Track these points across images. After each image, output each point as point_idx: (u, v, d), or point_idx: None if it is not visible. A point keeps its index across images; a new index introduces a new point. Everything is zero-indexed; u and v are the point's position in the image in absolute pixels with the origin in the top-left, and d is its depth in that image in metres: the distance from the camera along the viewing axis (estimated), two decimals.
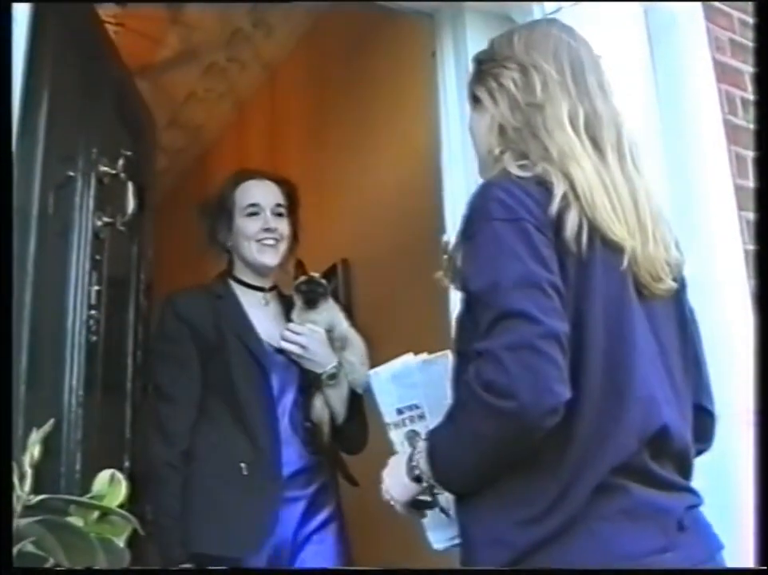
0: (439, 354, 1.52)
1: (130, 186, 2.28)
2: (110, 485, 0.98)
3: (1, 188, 1.15)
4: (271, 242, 2.29)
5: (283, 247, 2.32)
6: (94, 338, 2.13)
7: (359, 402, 2.31)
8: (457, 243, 1.35)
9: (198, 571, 1.84)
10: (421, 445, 1.36)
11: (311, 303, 2.29)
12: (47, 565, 0.93)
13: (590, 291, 1.29)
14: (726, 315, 2.09)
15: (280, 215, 2.34)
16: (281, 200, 2.35)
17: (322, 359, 2.25)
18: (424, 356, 1.53)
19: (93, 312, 2.16)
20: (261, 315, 2.30)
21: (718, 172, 2.25)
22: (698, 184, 2.21)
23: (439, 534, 1.48)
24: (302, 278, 2.30)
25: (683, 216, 2.18)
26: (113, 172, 2.28)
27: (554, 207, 1.28)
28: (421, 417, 1.50)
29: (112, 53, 2.53)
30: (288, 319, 2.30)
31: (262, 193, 2.34)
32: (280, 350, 2.25)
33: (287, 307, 2.35)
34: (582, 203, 1.30)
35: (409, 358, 1.53)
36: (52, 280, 2.01)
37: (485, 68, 1.49)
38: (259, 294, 2.33)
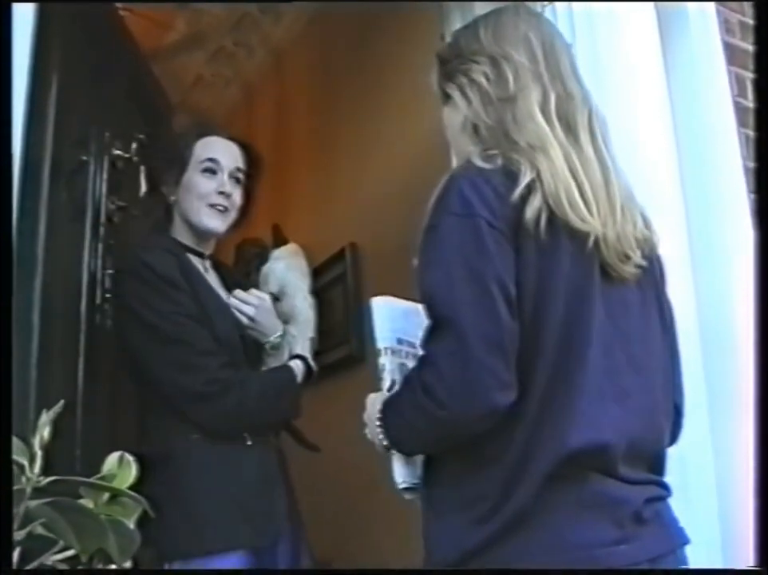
0: None
1: (143, 169, 2.27)
2: (119, 467, 0.98)
3: (2, 181, 1.15)
4: (221, 208, 2.07)
5: (232, 216, 2.11)
6: (108, 322, 2.14)
7: None
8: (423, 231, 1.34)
9: (197, 572, 1.82)
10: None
11: (255, 271, 2.21)
12: (57, 548, 0.94)
13: (553, 283, 1.27)
14: (734, 298, 2.08)
15: (237, 180, 2.12)
16: (242, 164, 2.14)
17: (268, 329, 2.09)
18: None
19: (107, 296, 2.17)
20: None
21: (728, 154, 2.24)
22: (708, 166, 2.21)
23: (405, 471, 1.45)
24: (248, 246, 2.22)
25: (693, 197, 2.18)
26: (126, 155, 2.28)
27: (516, 193, 1.27)
28: (415, 356, 1.44)
29: (125, 37, 2.53)
30: (228, 290, 2.12)
31: (224, 152, 2.12)
32: None
33: (223, 278, 2.17)
34: (546, 191, 1.28)
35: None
36: (65, 265, 2.02)
37: (454, 64, 1.46)
38: (198, 259, 2.10)
